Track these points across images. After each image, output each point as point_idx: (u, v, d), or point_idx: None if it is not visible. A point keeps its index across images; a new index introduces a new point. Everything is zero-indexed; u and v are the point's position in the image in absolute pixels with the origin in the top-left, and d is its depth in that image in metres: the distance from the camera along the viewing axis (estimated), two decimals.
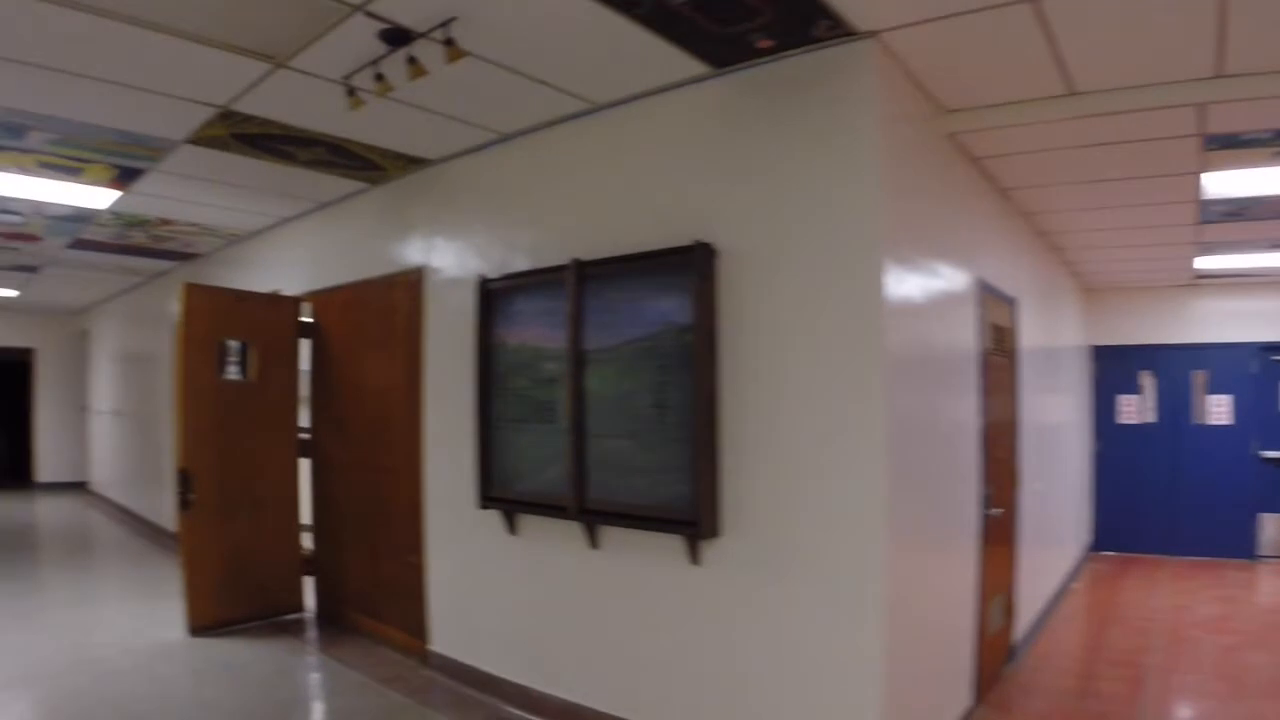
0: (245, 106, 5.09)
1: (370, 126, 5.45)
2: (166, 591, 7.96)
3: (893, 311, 3.96)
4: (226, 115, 5.24)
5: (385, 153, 5.97)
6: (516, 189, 5.57)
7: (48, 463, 17.58)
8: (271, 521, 7.38)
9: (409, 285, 6.37)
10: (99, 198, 7.29)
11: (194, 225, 8.50)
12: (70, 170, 6.50)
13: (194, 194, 7.19)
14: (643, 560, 4.65)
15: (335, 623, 7.30)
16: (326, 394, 7.44)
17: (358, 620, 7.04)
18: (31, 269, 11.68)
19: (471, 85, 4.70)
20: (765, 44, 4.11)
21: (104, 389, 15.51)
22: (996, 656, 5.93)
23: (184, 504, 6.80)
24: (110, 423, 14.94)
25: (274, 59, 4.39)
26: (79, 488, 17.01)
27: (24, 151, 6.05)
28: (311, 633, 7.18)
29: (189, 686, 5.95)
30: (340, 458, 7.27)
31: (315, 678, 6.31)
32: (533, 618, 5.34)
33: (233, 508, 7.08)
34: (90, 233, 8.92)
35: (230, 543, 7.07)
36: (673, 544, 4.48)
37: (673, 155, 4.64)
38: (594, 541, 4.88)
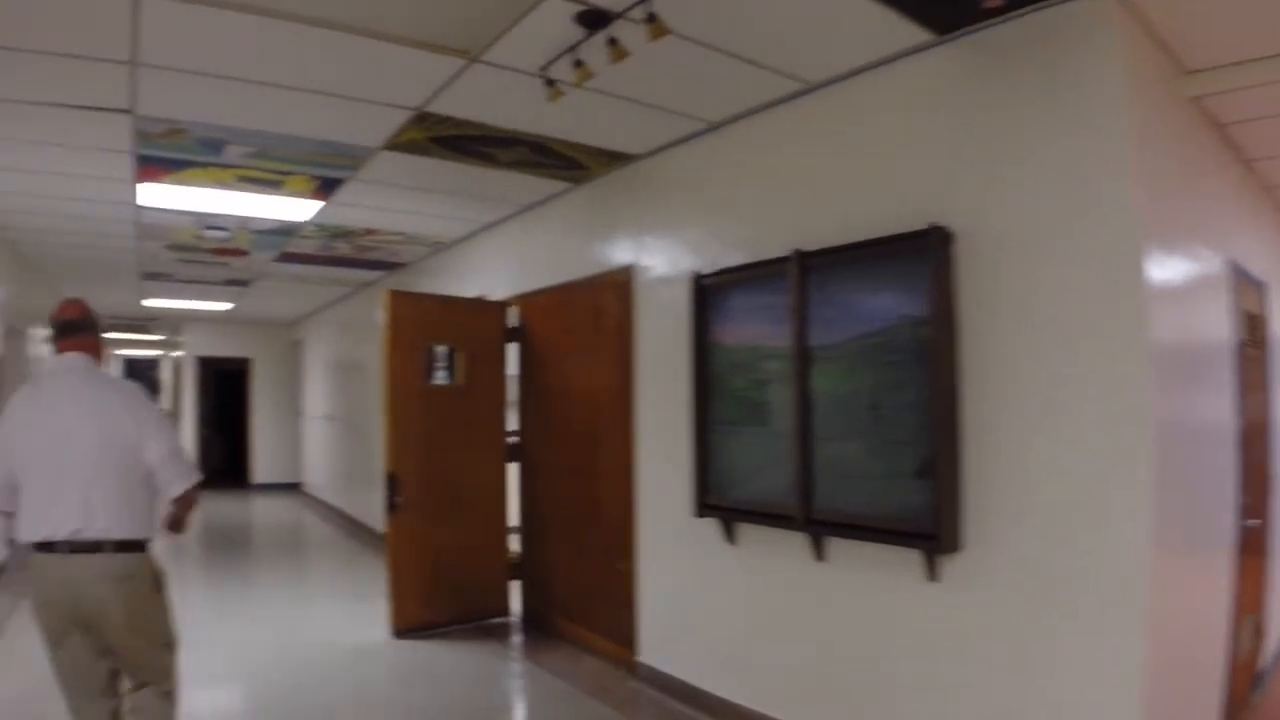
0: (441, 107, 5.03)
1: (571, 122, 5.32)
2: (372, 592, 8.09)
3: (1152, 299, 3.46)
4: (423, 118, 5.20)
5: (588, 150, 5.83)
6: (727, 180, 5.34)
7: (263, 465, 18.60)
8: (478, 524, 7.40)
9: (617, 285, 6.23)
10: (301, 210, 7.47)
11: (398, 234, 8.59)
12: (271, 183, 6.66)
13: (395, 202, 7.28)
14: (872, 575, 4.30)
15: (540, 628, 7.24)
16: (534, 397, 7.40)
17: (564, 626, 6.95)
18: (243, 283, 12.19)
19: (675, 70, 4.48)
20: (993, 3, 3.69)
21: (316, 395, 16.28)
22: (1244, 684, 5.29)
23: (391, 507, 6.85)
24: (322, 427, 15.64)
25: (467, 53, 4.29)
26: (293, 489, 17.91)
27: (223, 166, 6.21)
28: (516, 638, 7.16)
29: (390, 689, 6.01)
30: (548, 461, 7.22)
31: (518, 685, 6.28)
32: (749, 632, 5.08)
33: (440, 511, 7.13)
34: (296, 245, 9.17)
35: (436, 546, 7.12)
36: (907, 558, 4.10)
37: (896, 134, 4.29)
38: (820, 554, 4.55)
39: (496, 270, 8.08)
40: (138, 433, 3.60)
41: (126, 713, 3.72)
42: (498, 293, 7.81)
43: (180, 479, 3.69)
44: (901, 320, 4.07)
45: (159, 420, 3.73)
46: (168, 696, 3.77)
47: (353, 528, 12.99)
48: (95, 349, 3.82)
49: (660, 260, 5.83)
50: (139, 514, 3.60)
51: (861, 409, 4.25)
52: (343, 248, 9.31)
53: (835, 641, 4.53)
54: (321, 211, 7.54)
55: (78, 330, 3.80)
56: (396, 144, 5.68)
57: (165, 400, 20.99)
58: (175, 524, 3.82)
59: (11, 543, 5.02)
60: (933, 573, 4.00)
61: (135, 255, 9.93)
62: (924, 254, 3.95)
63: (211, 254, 9.76)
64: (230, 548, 11.94)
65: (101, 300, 14.56)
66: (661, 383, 5.73)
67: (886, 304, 4.15)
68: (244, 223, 8.05)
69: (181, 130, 5.40)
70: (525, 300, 7.49)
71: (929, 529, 3.92)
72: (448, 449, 7.17)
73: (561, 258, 6.98)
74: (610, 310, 6.35)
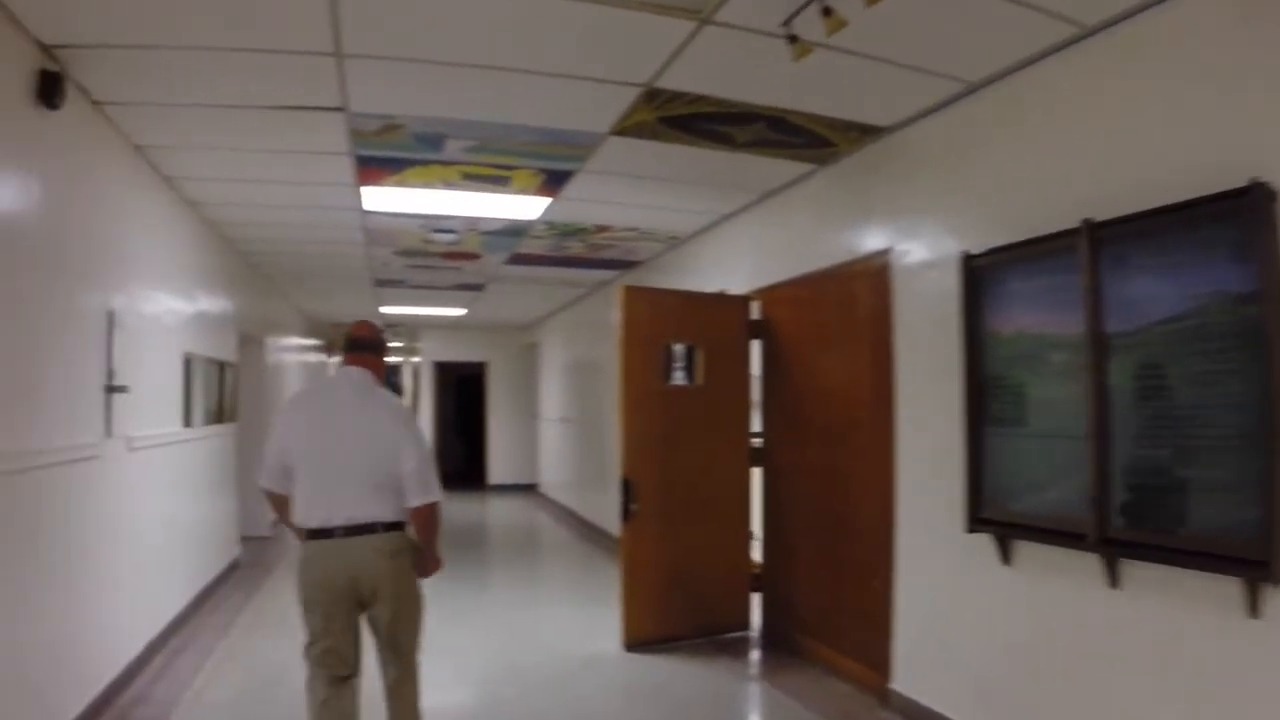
0: (671, 81, 4.71)
1: (813, 90, 4.88)
2: (605, 599, 7.88)
3: None
4: (652, 95, 4.91)
5: (833, 123, 5.38)
6: (992, 147, 4.77)
7: (499, 466, 19.09)
8: (718, 533, 7.08)
9: (871, 273, 5.76)
10: (530, 207, 7.38)
11: (631, 230, 8.37)
12: (496, 180, 6.57)
13: (626, 194, 7.09)
14: (1175, 605, 3.61)
15: (781, 646, 6.84)
16: (779, 397, 7.03)
17: (807, 645, 6.53)
18: (476, 287, 12.31)
19: (930, 20, 3.96)
20: None
21: (551, 398, 16.54)
22: None
23: (626, 514, 6.61)
24: (557, 429, 15.84)
25: (698, 13, 3.91)
26: (528, 490, 18.23)
27: (445, 163, 6.16)
28: (754, 655, 6.81)
29: (617, 706, 5.80)
30: (795, 466, 6.83)
31: (756, 708, 5.95)
32: (1023, 664, 4.47)
33: (677, 518, 6.86)
34: (527, 246, 9.09)
35: (672, 555, 6.85)
36: (1222, 588, 3.39)
37: (1196, 75, 3.58)
38: (1113, 579, 3.88)
39: (736, 263, 7.76)
40: (397, 444, 4.08)
41: (388, 689, 4.24)
42: (737, 287, 7.49)
43: (420, 492, 4.08)
44: (1217, 298, 3.40)
45: (417, 438, 4.20)
46: (415, 678, 4.28)
47: (586, 530, 13.02)
48: (376, 366, 4.37)
49: (920, 243, 5.31)
50: (398, 507, 4.09)
51: (1168, 407, 3.60)
52: (575, 247, 9.18)
53: (1123, 680, 3.87)
54: (550, 209, 7.39)
55: (363, 348, 4.36)
56: (625, 128, 5.43)
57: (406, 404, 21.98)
58: (423, 566, 4.29)
59: (273, 527, 5.31)
60: (1255, 607, 3.29)
61: (365, 262, 10.18)
62: (1244, 216, 3.28)
63: (442, 258, 9.86)
64: (465, 548, 12.18)
65: (340, 309, 15.56)
66: (925, 379, 5.20)
67: (1197, 279, 3.48)
68: (472, 224, 8.01)
69: (398, 126, 5.38)
70: (768, 293, 7.12)
71: (1255, 553, 3.23)
72: (686, 452, 6.89)
73: (807, 246, 6.56)
74: (864, 300, 5.88)
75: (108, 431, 5.34)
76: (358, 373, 4.27)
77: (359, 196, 6.95)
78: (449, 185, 6.61)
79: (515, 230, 8.29)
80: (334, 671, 4.03)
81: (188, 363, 7.38)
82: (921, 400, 5.24)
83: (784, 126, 5.38)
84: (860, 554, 5.88)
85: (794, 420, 6.81)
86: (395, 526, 4.07)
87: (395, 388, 38.76)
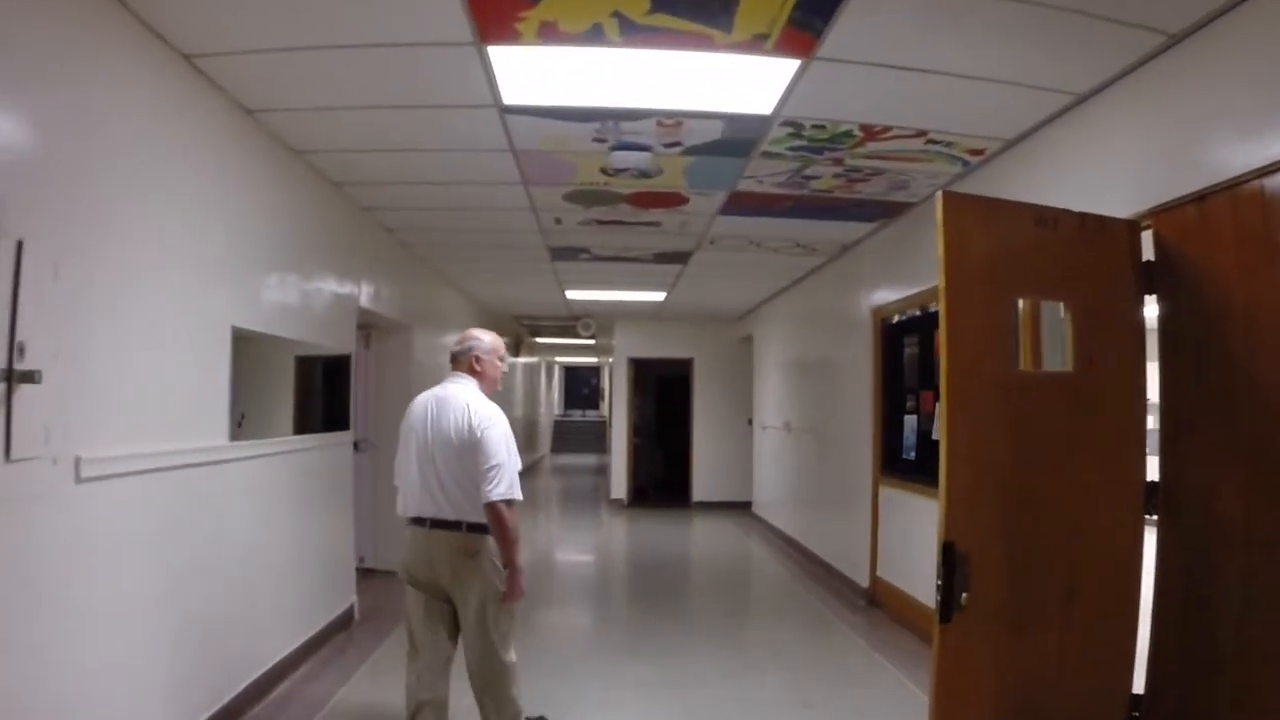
0: None
1: None
2: (856, 702, 5.36)
3: None
4: None
5: None
6: None
7: (706, 481, 16.58)
8: (1091, 636, 3.94)
9: None
10: (765, 85, 4.68)
11: (918, 134, 5.43)
12: (706, 13, 3.67)
13: (926, 51, 4.27)
14: None
15: None
16: (1207, 396, 3.89)
17: None
18: (679, 258, 9.64)
19: None
20: None
21: (770, 401, 13.87)
22: None
23: (945, 607, 3.57)
24: (778, 439, 13.07)
25: None
26: (739, 510, 15.52)
27: None
28: None
29: None
30: (1241, 520, 3.62)
31: None
32: None
33: (1031, 616, 3.82)
34: (754, 173, 6.25)
35: (1021, 677, 3.82)
36: None
37: None
38: None
39: (1098, 174, 4.65)
40: (475, 443, 4.18)
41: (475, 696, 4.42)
42: (1115, 208, 4.31)
43: (489, 487, 4.10)
44: None
45: (496, 438, 4.20)
46: (495, 687, 4.33)
47: (818, 571, 10.05)
48: (470, 369, 4.49)
49: None
50: (480, 507, 4.17)
51: None
52: (823, 176, 6.35)
53: None
54: (799, 89, 4.60)
55: (456, 356, 4.56)
56: None
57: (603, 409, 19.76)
58: (510, 589, 4.28)
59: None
60: None
61: (531, 218, 7.69)
62: None
63: (630, 204, 7.17)
64: (656, 590, 9.57)
65: (519, 295, 13.74)
66: None
67: None
68: (669, 131, 5.27)
69: None
70: (1175, 215, 3.98)
71: None
72: (1046, 494, 3.80)
73: (1257, 126, 3.46)
74: None
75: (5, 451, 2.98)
76: (456, 376, 4.49)
77: (488, 70, 4.39)
78: (626, 33, 3.91)
79: (737, 139, 5.51)
80: (412, 649, 4.40)
81: (238, 344, 5.02)
82: None
83: None
84: None
85: (1244, 442, 3.63)
86: (478, 528, 4.22)
87: (593, 391, 37.27)
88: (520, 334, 19.53)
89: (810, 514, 11.00)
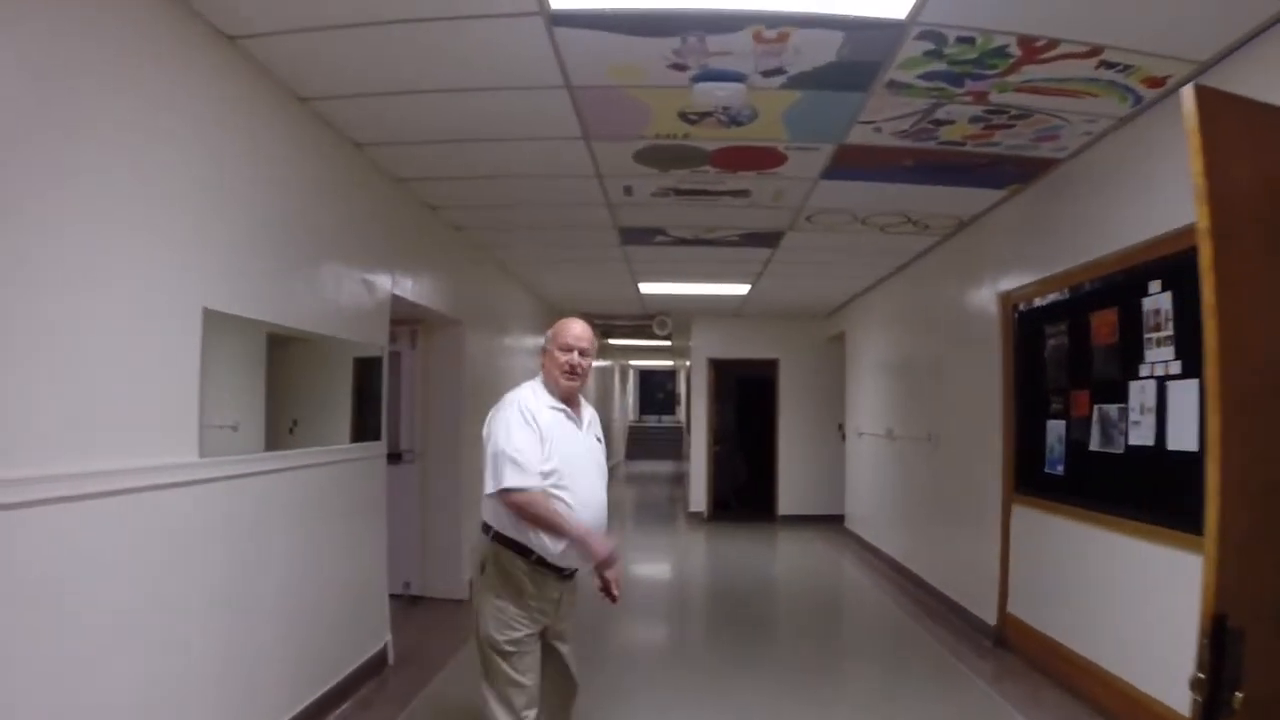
0: None
1: None
2: None
3: None
4: None
5: None
6: None
7: (793, 493, 15.17)
8: None
9: None
10: None
11: (1091, 50, 4.22)
12: None
13: None
14: None
15: None
16: None
17: None
18: (768, 239, 8.36)
19: None
20: None
21: (864, 405, 12.53)
22: None
23: (1210, 713, 2.28)
24: (877, 448, 11.70)
25: None
26: (831, 523, 14.13)
27: None
28: None
29: None
30: None
31: None
32: None
33: None
34: (871, 114, 5.07)
35: None
36: None
37: None
38: None
39: None
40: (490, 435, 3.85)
41: None
42: None
43: (488, 479, 3.75)
44: None
45: (495, 425, 3.81)
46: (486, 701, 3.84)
47: (929, 601, 8.70)
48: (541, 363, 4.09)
49: None
50: (497, 508, 3.78)
51: None
52: (958, 120, 5.11)
53: None
54: None
55: None
56: None
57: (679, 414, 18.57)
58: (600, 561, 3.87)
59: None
60: None
61: (594, 185, 6.59)
62: None
63: (714, 165, 5.99)
64: (738, 624, 8.19)
65: (588, 290, 12.67)
66: None
67: None
68: (768, 51, 4.10)
69: None
70: None
71: None
72: None
73: None
74: None
75: None
76: None
77: None
78: None
79: (858, 62, 4.26)
80: None
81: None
82: None
83: None
84: None
85: None
86: (485, 529, 3.87)
87: (670, 397, 36.04)
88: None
89: (920, 534, 9.59)
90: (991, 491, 7.11)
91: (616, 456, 27.48)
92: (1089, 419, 5.68)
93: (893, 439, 10.67)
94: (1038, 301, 6.49)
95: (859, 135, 5.30)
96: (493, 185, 6.65)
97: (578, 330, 3.99)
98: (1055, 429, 6.18)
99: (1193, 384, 4.54)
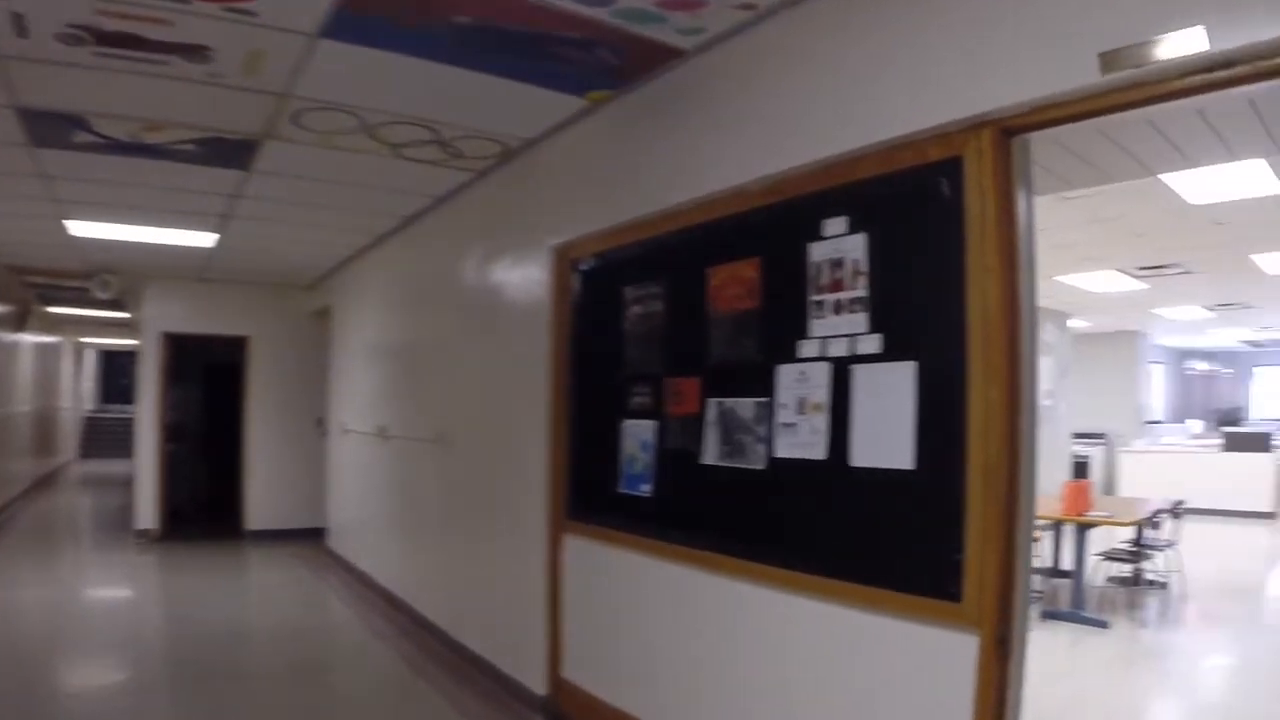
0: None
1: None
2: None
3: None
4: None
5: None
6: None
7: (263, 502, 12.48)
8: None
9: None
10: None
11: None
12: None
13: None
14: None
15: None
16: None
17: None
18: (239, 152, 6.01)
19: None
20: None
21: (356, 396, 10.19)
22: None
23: None
24: (367, 450, 9.46)
25: None
26: (308, 540, 11.68)
27: None
28: None
29: None
30: None
31: None
32: None
33: None
34: None
35: None
36: None
37: None
38: None
39: None
40: None
41: None
42: None
43: None
44: None
45: None
46: None
47: (446, 652, 6.59)
48: None
49: None
50: None
51: None
52: None
53: None
54: None
55: None
56: None
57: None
58: None
59: None
60: None
61: None
62: None
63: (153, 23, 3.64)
64: (177, 703, 5.53)
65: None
66: None
67: None
68: None
69: None
70: None
71: None
72: None
73: None
74: None
75: None
76: None
77: None
78: None
79: None
80: None
81: None
82: None
83: None
84: None
85: None
86: None
87: (129, 383, 31.13)
88: (27, 300, 14.19)
89: (433, 569, 7.35)
90: (532, 516, 5.29)
91: (66, 455, 22.95)
92: (699, 418, 4.00)
93: (387, 440, 8.50)
94: (615, 255, 4.74)
95: None
96: None
97: None
98: (638, 432, 4.45)
99: (904, 368, 2.96)
